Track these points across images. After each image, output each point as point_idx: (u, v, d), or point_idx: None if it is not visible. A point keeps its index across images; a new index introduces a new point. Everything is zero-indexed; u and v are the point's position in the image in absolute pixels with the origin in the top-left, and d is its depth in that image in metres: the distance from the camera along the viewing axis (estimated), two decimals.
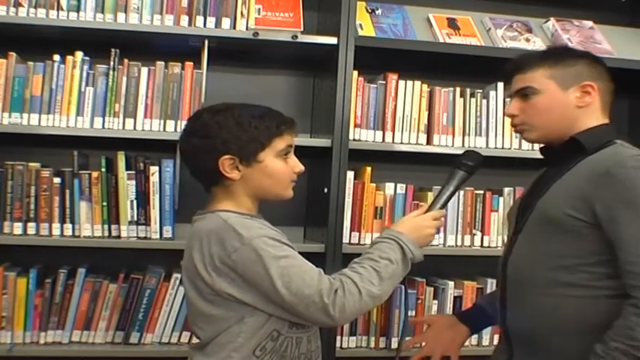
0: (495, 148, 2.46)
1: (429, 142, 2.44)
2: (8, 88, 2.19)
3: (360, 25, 2.43)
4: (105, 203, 2.22)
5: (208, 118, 1.51)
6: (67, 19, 2.21)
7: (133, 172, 2.23)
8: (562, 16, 2.68)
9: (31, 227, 2.19)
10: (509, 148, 2.48)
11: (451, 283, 2.45)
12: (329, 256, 2.26)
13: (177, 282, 2.26)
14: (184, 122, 1.71)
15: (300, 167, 1.57)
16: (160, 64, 2.27)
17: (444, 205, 1.63)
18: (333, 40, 2.29)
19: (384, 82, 2.41)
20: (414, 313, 2.40)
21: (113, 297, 2.25)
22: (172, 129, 2.25)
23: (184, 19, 2.26)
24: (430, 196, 2.41)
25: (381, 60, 2.42)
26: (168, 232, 2.24)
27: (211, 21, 2.28)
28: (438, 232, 1.76)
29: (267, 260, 1.39)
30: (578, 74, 1.57)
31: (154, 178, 2.23)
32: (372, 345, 2.40)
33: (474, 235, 2.47)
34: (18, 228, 2.18)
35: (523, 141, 2.29)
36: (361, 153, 2.35)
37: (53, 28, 2.22)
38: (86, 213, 2.21)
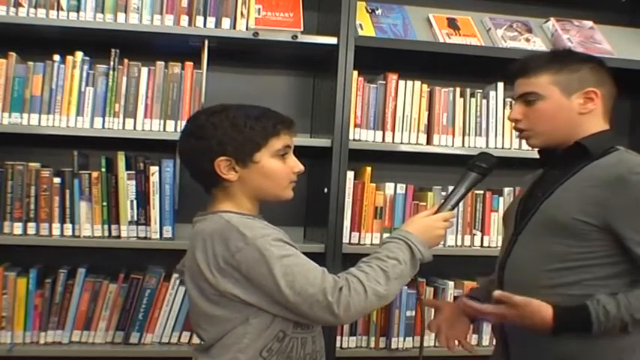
0: (495, 148, 2.45)
1: (429, 142, 2.44)
2: (8, 88, 2.19)
3: (360, 25, 2.43)
4: (105, 203, 2.22)
5: (204, 120, 1.51)
6: (67, 19, 2.21)
7: (133, 172, 2.23)
8: (562, 16, 2.67)
9: (31, 227, 2.19)
10: (509, 148, 2.48)
11: (451, 283, 2.45)
12: (329, 256, 2.26)
13: (178, 282, 2.26)
14: (184, 122, 1.71)
15: (299, 167, 1.56)
16: (160, 64, 2.27)
17: (455, 207, 1.62)
18: (333, 40, 2.29)
19: (384, 82, 2.41)
20: (413, 313, 2.40)
21: (113, 297, 2.25)
22: (172, 129, 2.25)
23: (184, 19, 2.26)
24: (430, 196, 2.41)
25: (381, 60, 2.42)
26: (168, 232, 2.25)
27: (211, 21, 2.28)
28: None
29: (270, 260, 1.38)
30: (581, 80, 1.58)
31: (154, 178, 2.23)
32: (372, 345, 2.40)
33: (474, 235, 2.47)
34: (18, 228, 2.19)
35: (523, 141, 2.28)
36: (361, 153, 2.35)
37: (53, 28, 2.22)
38: (86, 213, 2.21)
